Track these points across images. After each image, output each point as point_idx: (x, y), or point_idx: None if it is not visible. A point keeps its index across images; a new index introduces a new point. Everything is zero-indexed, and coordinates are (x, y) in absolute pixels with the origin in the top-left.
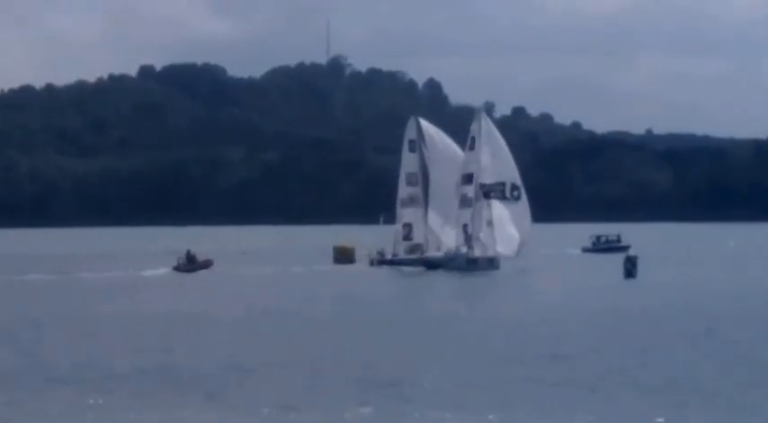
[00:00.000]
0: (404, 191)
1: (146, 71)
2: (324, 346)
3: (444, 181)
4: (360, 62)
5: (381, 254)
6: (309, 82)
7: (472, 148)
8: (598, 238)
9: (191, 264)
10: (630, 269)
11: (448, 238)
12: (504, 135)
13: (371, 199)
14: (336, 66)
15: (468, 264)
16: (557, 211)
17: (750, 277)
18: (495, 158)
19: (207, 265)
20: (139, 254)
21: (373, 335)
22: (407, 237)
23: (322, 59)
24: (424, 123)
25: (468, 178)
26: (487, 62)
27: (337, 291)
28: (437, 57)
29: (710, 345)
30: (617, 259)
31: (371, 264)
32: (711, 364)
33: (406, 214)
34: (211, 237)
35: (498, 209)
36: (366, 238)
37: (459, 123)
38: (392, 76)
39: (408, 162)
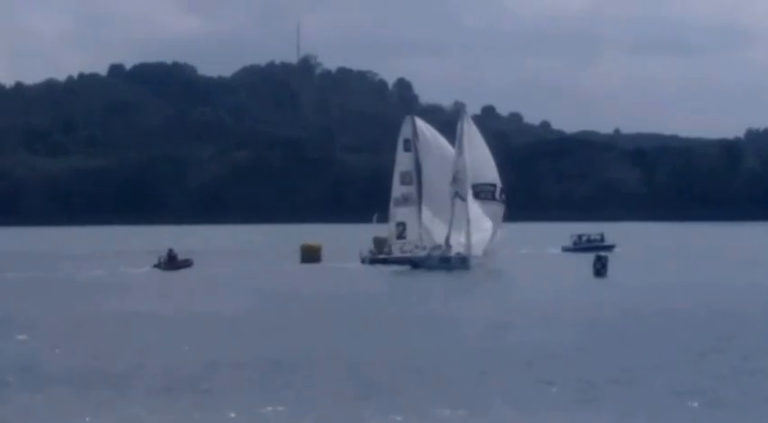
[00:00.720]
0: (398, 190)
1: (116, 70)
2: (302, 344)
3: (438, 180)
4: (330, 62)
5: (374, 252)
6: (279, 81)
7: (459, 147)
8: (579, 237)
9: (172, 263)
10: (600, 269)
11: (441, 238)
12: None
13: (341, 198)
14: (306, 65)
15: (441, 262)
16: (526, 211)
17: (720, 277)
18: (484, 159)
19: (187, 264)
20: (116, 253)
21: (358, 332)
22: (401, 236)
23: (292, 59)
24: (419, 122)
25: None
26: (457, 62)
27: (313, 289)
28: (407, 57)
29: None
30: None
31: (363, 262)
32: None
33: (399, 213)
34: (184, 235)
35: (476, 209)
36: (348, 237)
37: (429, 122)
38: (362, 76)
39: (403, 161)
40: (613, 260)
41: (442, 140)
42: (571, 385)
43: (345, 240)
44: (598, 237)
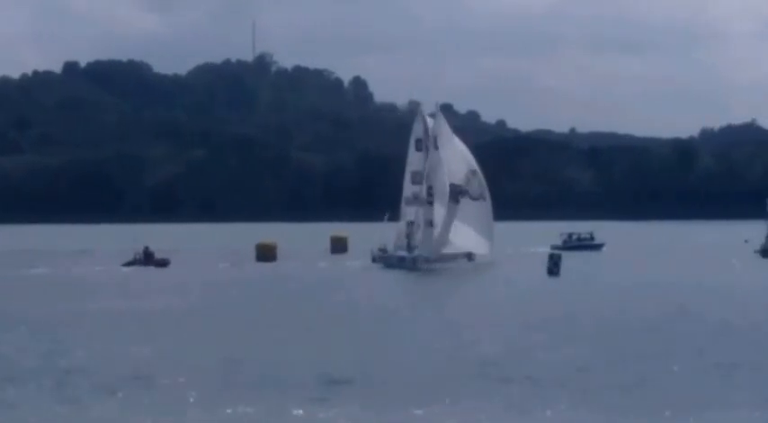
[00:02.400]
0: (408, 189)
1: (70, 67)
2: (272, 342)
3: (451, 178)
4: (286, 60)
5: (383, 250)
6: (235, 79)
7: (436, 147)
8: (569, 235)
9: (149, 260)
10: (552, 268)
11: (455, 236)
12: None
13: (297, 196)
14: (262, 63)
15: (409, 262)
16: None
17: (675, 275)
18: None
19: (164, 263)
20: (82, 251)
21: (326, 331)
22: (412, 234)
23: (248, 57)
24: (431, 122)
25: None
26: (413, 60)
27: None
28: (363, 55)
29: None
30: (585, 257)
31: (374, 260)
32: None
33: (409, 212)
34: (140, 234)
35: (445, 210)
36: (368, 234)
37: (383, 120)
38: (318, 74)
39: (414, 161)
40: (586, 258)
41: (456, 139)
42: (514, 384)
43: (302, 239)
44: (587, 235)
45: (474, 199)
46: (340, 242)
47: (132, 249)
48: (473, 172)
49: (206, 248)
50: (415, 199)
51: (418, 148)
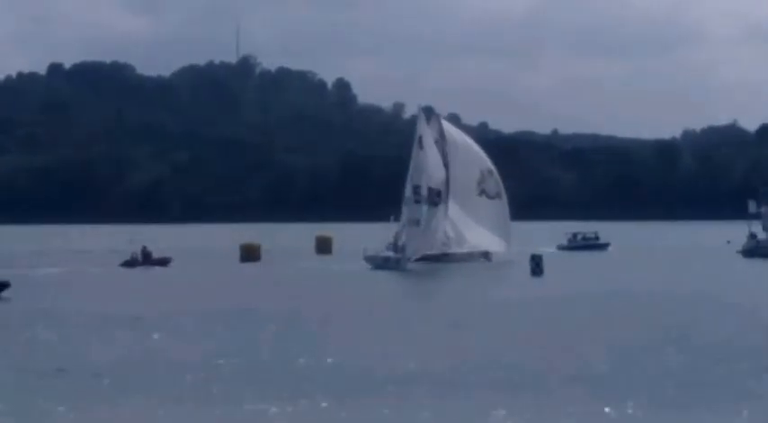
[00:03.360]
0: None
1: (55, 69)
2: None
3: (463, 178)
4: (269, 62)
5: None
6: (219, 81)
7: (421, 147)
8: (575, 235)
9: (146, 260)
10: (535, 268)
11: (471, 234)
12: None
13: (281, 198)
14: (246, 65)
15: (384, 263)
16: None
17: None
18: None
19: (164, 262)
20: (75, 252)
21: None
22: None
23: (232, 59)
24: (445, 123)
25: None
26: (397, 62)
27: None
28: (347, 57)
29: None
30: (589, 257)
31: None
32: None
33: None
34: (130, 235)
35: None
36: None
37: (366, 122)
38: (302, 76)
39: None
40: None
41: (469, 140)
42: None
43: (287, 240)
44: (593, 235)
45: (490, 198)
46: (325, 242)
47: (130, 250)
48: (489, 171)
49: (192, 249)
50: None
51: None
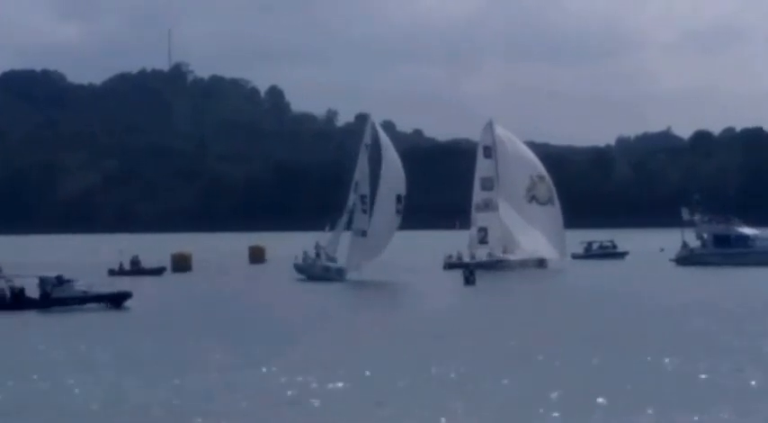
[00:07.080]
0: (479, 196)
1: None
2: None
3: (515, 184)
4: (202, 69)
5: (459, 257)
6: (151, 89)
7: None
8: (590, 243)
9: (134, 269)
10: (468, 277)
11: (525, 239)
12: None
13: (213, 207)
14: (178, 73)
15: (323, 272)
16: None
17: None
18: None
19: (159, 272)
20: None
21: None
22: (483, 240)
23: (164, 66)
24: (499, 129)
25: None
26: (331, 70)
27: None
28: (280, 64)
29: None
30: (606, 266)
31: (445, 267)
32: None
33: (480, 218)
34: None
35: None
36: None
37: (300, 130)
38: (235, 84)
39: (483, 167)
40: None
41: (521, 146)
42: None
43: (218, 249)
44: (609, 244)
45: (542, 204)
46: (258, 252)
47: (118, 260)
48: (540, 177)
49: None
50: (486, 206)
51: (487, 155)
